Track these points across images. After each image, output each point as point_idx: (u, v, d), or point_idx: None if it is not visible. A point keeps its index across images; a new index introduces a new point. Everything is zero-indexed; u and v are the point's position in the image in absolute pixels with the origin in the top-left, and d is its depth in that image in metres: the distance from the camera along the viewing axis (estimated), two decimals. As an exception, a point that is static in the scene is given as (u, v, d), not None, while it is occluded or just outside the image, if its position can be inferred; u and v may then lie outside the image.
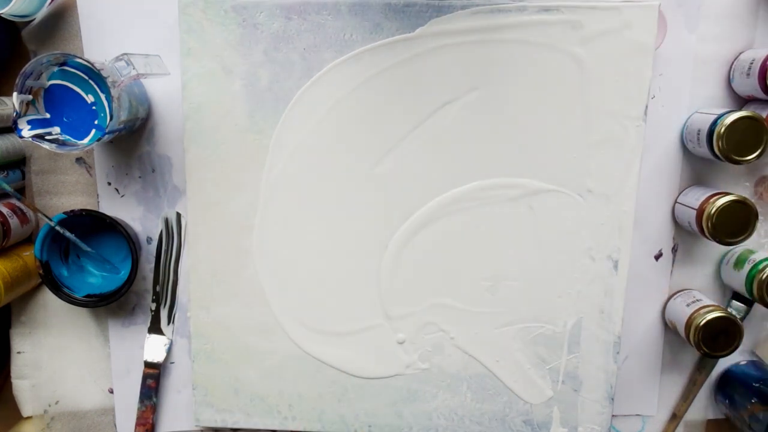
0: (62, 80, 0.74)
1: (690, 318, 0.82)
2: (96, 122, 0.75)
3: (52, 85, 0.74)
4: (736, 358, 0.90)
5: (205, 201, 0.83)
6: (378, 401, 0.87)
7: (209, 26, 0.80)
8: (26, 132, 0.71)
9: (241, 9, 0.79)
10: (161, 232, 0.87)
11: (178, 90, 0.83)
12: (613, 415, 0.92)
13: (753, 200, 0.80)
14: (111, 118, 0.73)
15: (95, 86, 0.74)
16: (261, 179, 0.82)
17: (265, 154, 0.82)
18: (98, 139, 0.74)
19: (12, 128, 0.72)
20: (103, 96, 0.75)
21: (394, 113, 0.80)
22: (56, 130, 0.75)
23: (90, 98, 0.75)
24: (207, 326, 0.86)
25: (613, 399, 0.86)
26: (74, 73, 0.74)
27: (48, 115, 0.75)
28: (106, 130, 0.74)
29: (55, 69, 0.74)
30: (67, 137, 0.75)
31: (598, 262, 0.83)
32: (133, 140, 0.85)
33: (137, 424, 0.90)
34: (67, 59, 0.73)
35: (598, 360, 0.85)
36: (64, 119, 0.75)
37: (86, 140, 0.75)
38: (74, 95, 0.75)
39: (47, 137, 0.73)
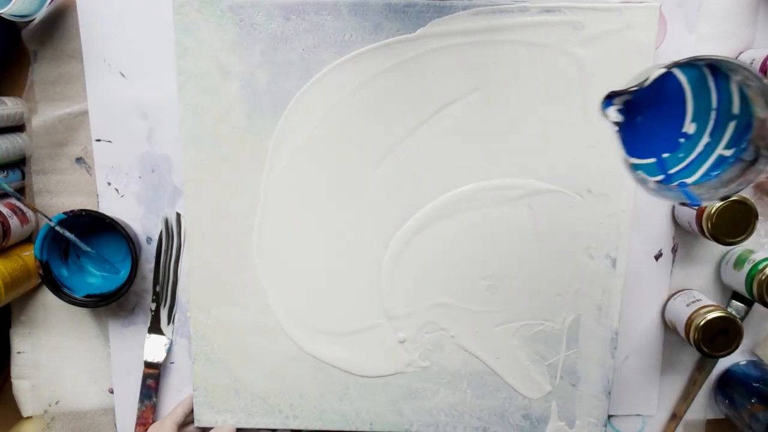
0: None
1: (690, 318, 0.82)
2: None
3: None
4: (736, 358, 0.90)
5: (204, 203, 0.83)
6: (379, 399, 0.87)
7: (205, 26, 0.80)
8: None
9: (238, 9, 0.79)
10: (161, 232, 0.87)
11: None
12: (613, 415, 0.92)
13: (753, 200, 0.80)
14: None
15: None
16: (260, 181, 0.82)
17: (264, 156, 0.81)
18: None
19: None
20: None
21: (395, 114, 0.80)
22: None
23: None
24: (207, 328, 0.86)
25: (609, 393, 0.87)
26: None
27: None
28: None
29: None
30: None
31: (596, 261, 0.83)
32: (133, 140, 0.85)
33: (137, 424, 0.90)
34: None
35: (595, 355, 0.86)
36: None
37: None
38: None
39: None
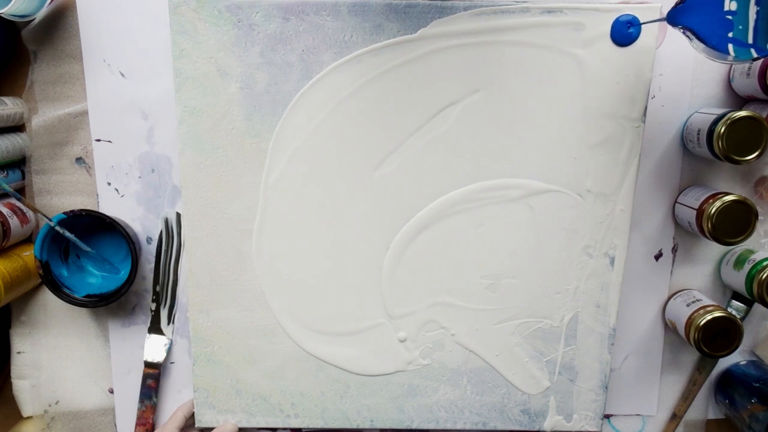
0: None
1: (690, 318, 0.82)
2: None
3: None
4: (736, 358, 0.90)
5: (202, 205, 0.83)
6: (380, 397, 0.88)
7: (202, 27, 0.79)
8: None
9: (235, 9, 0.78)
10: (161, 232, 0.87)
11: (177, 90, 0.83)
12: (613, 415, 0.92)
13: (753, 200, 0.80)
14: None
15: None
16: (260, 183, 0.82)
17: (263, 158, 0.81)
18: None
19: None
20: None
21: (396, 115, 0.80)
22: None
23: None
24: (207, 330, 0.86)
25: (606, 387, 0.87)
26: None
27: None
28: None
29: None
30: None
31: (595, 259, 0.84)
32: (133, 140, 0.85)
33: (137, 424, 0.90)
34: None
35: (593, 351, 0.86)
36: None
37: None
38: None
39: None
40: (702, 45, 0.66)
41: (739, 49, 0.65)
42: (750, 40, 0.65)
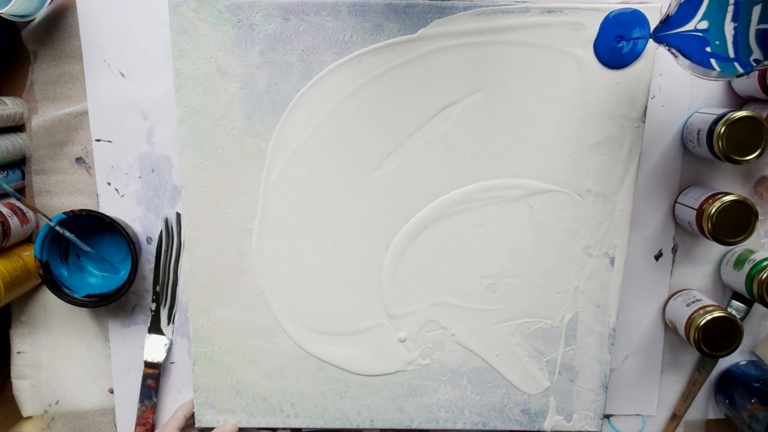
0: None
1: (690, 318, 0.82)
2: None
3: None
4: (736, 358, 0.90)
5: (202, 205, 0.83)
6: (380, 397, 0.88)
7: (202, 27, 0.79)
8: None
9: (235, 9, 0.78)
10: (161, 232, 0.87)
11: (177, 90, 0.83)
12: (613, 415, 0.92)
13: (753, 200, 0.80)
14: None
15: None
16: (260, 183, 0.82)
17: (263, 158, 0.81)
18: None
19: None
20: None
21: (396, 115, 0.80)
22: None
23: None
24: (207, 330, 0.86)
25: (606, 387, 0.87)
26: None
27: None
28: None
29: None
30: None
31: (595, 259, 0.84)
32: (133, 140, 0.85)
33: (137, 424, 0.90)
34: None
35: (593, 351, 0.86)
36: None
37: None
38: None
39: None
40: (687, 61, 0.66)
41: (723, 63, 0.65)
42: (731, 55, 0.65)
